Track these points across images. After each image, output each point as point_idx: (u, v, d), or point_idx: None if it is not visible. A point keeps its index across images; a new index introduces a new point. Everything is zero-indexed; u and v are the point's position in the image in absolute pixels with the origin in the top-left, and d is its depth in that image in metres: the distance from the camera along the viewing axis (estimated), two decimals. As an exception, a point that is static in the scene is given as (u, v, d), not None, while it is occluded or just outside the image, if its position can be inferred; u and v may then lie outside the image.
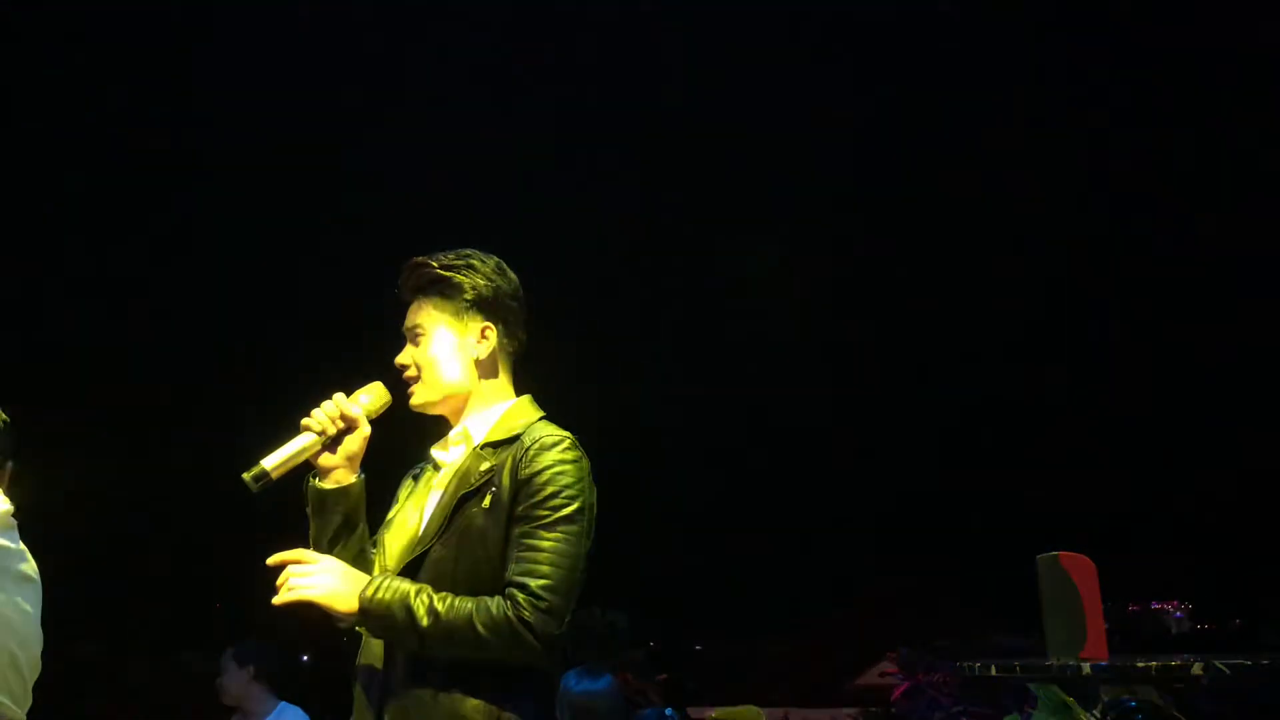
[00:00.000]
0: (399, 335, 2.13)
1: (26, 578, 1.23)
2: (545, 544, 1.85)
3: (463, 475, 1.97)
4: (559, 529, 1.86)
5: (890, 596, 18.90)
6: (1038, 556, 2.60)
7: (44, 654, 1.28)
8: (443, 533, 1.91)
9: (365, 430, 2.02)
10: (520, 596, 1.79)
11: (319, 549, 2.00)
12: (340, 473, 2.02)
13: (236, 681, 4.31)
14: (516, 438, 1.96)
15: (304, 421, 1.98)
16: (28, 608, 1.23)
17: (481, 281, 2.06)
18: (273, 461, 1.90)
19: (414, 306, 2.10)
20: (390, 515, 2.11)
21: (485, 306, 2.07)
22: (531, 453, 1.91)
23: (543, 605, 1.80)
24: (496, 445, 1.98)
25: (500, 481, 1.91)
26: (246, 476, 1.86)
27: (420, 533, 1.96)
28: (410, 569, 1.90)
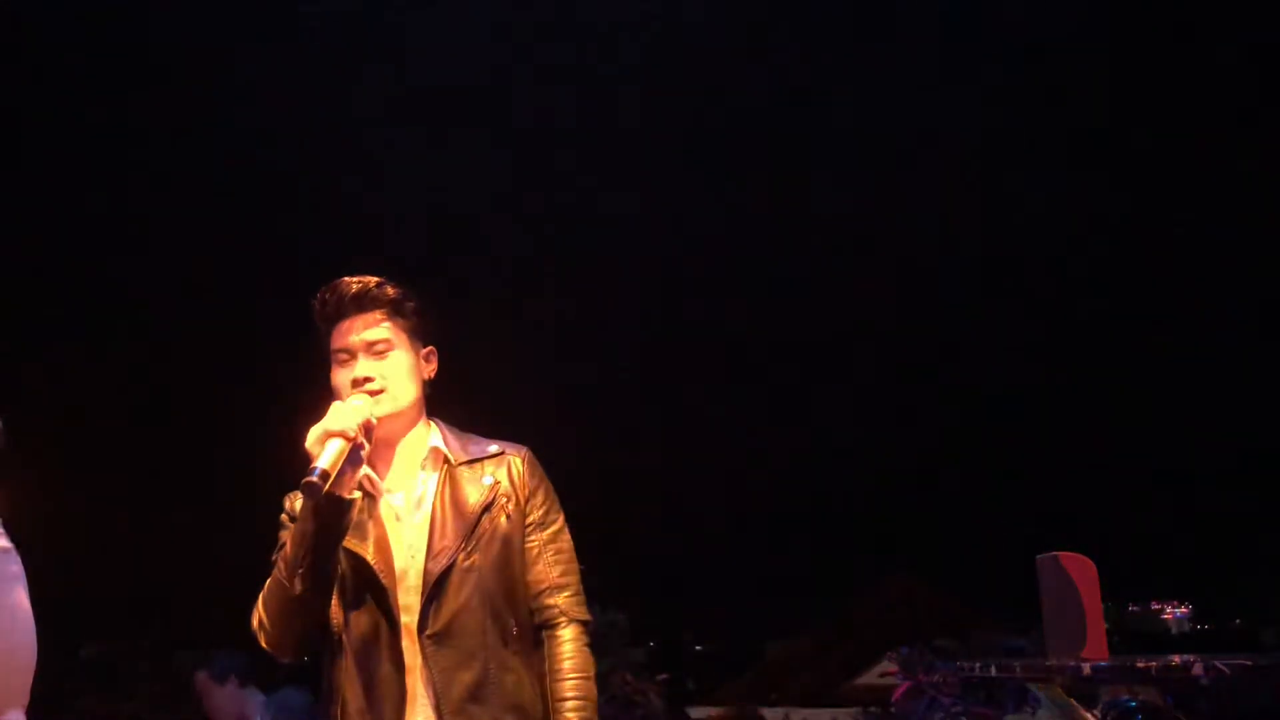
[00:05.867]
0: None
1: (17, 576, 1.24)
2: (566, 544, 2.19)
3: (464, 489, 2.11)
4: (565, 527, 2.19)
5: (890, 596, 18.90)
6: (1038, 556, 2.61)
7: (43, 654, 1.28)
8: (466, 543, 2.06)
9: (369, 441, 1.92)
10: (570, 600, 2.13)
11: (298, 560, 1.90)
12: (352, 481, 1.89)
13: (228, 699, 4.13)
14: (499, 454, 2.19)
15: (329, 428, 1.83)
16: (22, 606, 1.24)
17: (422, 306, 2.18)
18: (325, 463, 1.78)
19: (365, 322, 2.07)
20: (352, 534, 1.99)
21: (429, 330, 2.20)
22: (526, 465, 2.19)
23: (581, 596, 2.16)
24: (471, 463, 2.16)
25: (512, 492, 2.14)
26: (313, 479, 1.74)
27: (436, 545, 2.05)
28: (441, 579, 2.02)
